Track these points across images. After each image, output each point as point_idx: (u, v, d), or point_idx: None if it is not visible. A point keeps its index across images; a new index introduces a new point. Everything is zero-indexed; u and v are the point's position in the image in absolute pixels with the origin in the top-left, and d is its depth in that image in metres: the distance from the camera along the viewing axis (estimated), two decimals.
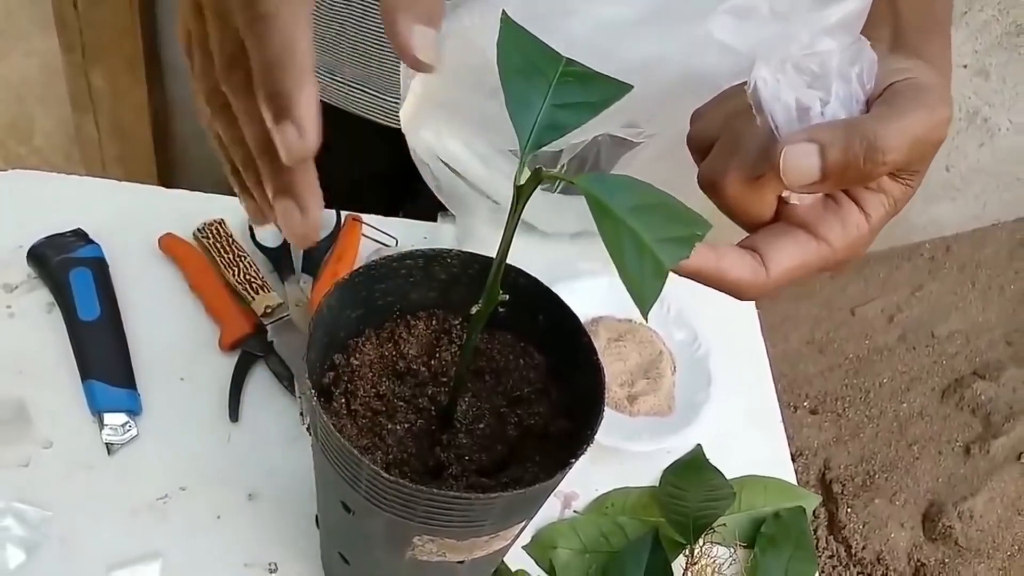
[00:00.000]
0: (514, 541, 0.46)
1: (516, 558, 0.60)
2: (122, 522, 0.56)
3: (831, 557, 1.63)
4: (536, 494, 0.40)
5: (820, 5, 0.39)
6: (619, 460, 0.65)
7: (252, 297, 0.67)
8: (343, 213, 0.74)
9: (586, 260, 0.71)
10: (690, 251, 0.31)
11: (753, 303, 0.78)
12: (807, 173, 0.36)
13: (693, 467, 0.65)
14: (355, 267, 0.70)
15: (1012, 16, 1.79)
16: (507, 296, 0.37)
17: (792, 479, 0.68)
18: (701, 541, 0.61)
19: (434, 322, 0.46)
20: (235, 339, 0.65)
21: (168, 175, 1.50)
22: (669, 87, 0.42)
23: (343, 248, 0.71)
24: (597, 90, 0.35)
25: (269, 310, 0.66)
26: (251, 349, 0.65)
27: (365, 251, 0.73)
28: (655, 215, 0.30)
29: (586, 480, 0.64)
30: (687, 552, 0.61)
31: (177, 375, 0.64)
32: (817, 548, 1.63)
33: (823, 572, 1.60)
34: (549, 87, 0.34)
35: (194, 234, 0.69)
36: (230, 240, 0.69)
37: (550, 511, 0.63)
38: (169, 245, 0.69)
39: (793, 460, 0.64)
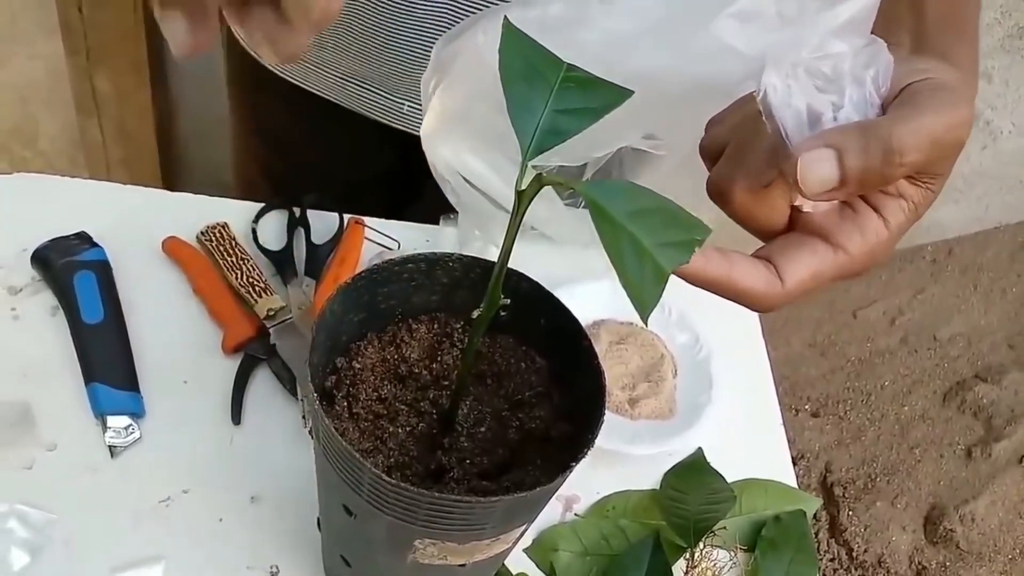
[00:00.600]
0: (515, 544, 0.47)
1: (517, 561, 0.60)
2: (125, 524, 0.57)
3: (832, 560, 1.63)
4: (537, 498, 0.40)
5: (828, 5, 0.39)
6: (620, 463, 0.65)
7: (255, 300, 0.67)
8: (346, 216, 0.74)
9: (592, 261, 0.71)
10: (690, 256, 0.31)
11: None
12: (825, 180, 0.35)
13: (694, 470, 0.65)
14: (357, 270, 0.71)
15: (1014, 19, 1.79)
16: (508, 301, 0.37)
17: (793, 482, 0.68)
18: (702, 544, 0.61)
19: (436, 326, 0.46)
20: (238, 342, 0.65)
21: (172, 178, 1.50)
22: (683, 96, 0.42)
23: (346, 251, 0.72)
24: (598, 96, 0.35)
25: (272, 313, 0.67)
26: (254, 352, 0.65)
27: (367, 254, 0.73)
28: (655, 220, 0.30)
29: (587, 483, 0.65)
30: (688, 555, 0.61)
31: (180, 378, 0.64)
32: (818, 551, 1.63)
33: (824, 575, 1.60)
34: (551, 92, 0.35)
35: (197, 237, 0.70)
36: (233, 243, 0.69)
37: (551, 514, 0.63)
38: (172, 248, 0.69)
39: (794, 463, 0.65)
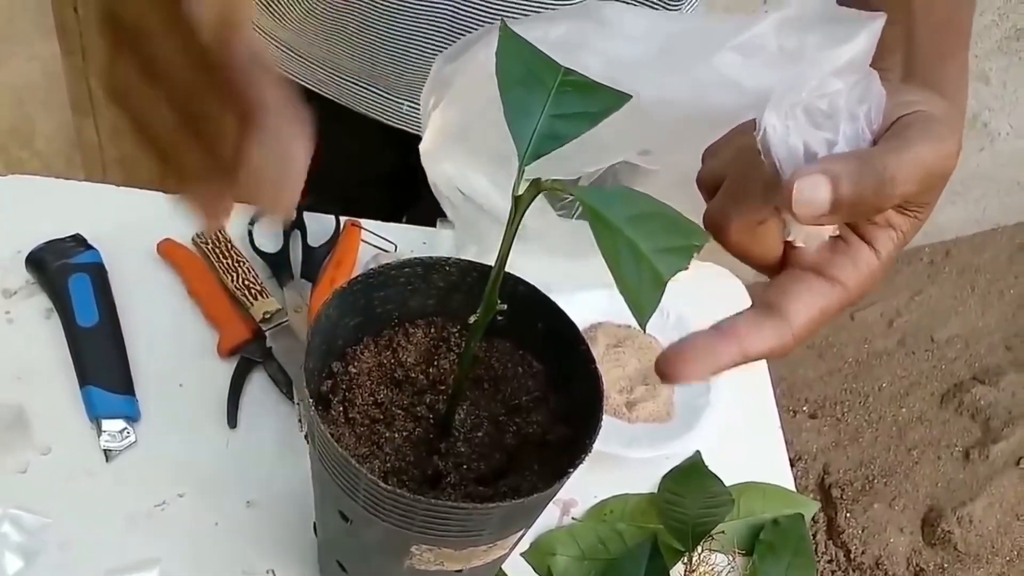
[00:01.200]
0: (513, 549, 0.46)
1: (515, 565, 0.60)
2: (120, 528, 0.56)
3: (830, 562, 1.63)
4: (534, 504, 0.40)
5: (829, 43, 0.39)
6: (618, 467, 0.65)
7: (251, 303, 0.67)
8: (342, 219, 0.74)
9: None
10: (689, 261, 0.31)
11: (749, 303, 0.78)
12: (818, 205, 0.35)
13: (692, 474, 0.65)
14: (354, 273, 0.70)
15: (1012, 20, 1.79)
16: (505, 306, 0.37)
17: (791, 485, 0.68)
18: (700, 548, 0.61)
19: (432, 330, 0.46)
20: (234, 345, 0.65)
21: None
22: (681, 121, 0.42)
23: (342, 253, 0.71)
24: (596, 100, 0.35)
25: (268, 316, 0.66)
26: (250, 355, 0.65)
27: (364, 256, 0.73)
28: (653, 225, 0.30)
29: (585, 487, 0.64)
30: (686, 559, 0.61)
31: (175, 381, 0.63)
32: (816, 553, 1.63)
33: None
34: (548, 97, 0.34)
35: (193, 239, 0.69)
36: (229, 245, 0.69)
37: (549, 518, 0.63)
38: (168, 250, 0.68)
39: (792, 465, 0.65)
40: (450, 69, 0.48)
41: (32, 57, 1.31)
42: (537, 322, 0.45)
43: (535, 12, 0.66)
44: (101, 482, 0.58)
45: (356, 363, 0.44)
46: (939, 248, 2.15)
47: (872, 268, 0.39)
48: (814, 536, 1.65)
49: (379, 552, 0.43)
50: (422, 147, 0.51)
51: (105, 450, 0.59)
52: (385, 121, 0.76)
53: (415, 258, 0.44)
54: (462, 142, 0.47)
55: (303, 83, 0.77)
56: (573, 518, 0.64)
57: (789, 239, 0.39)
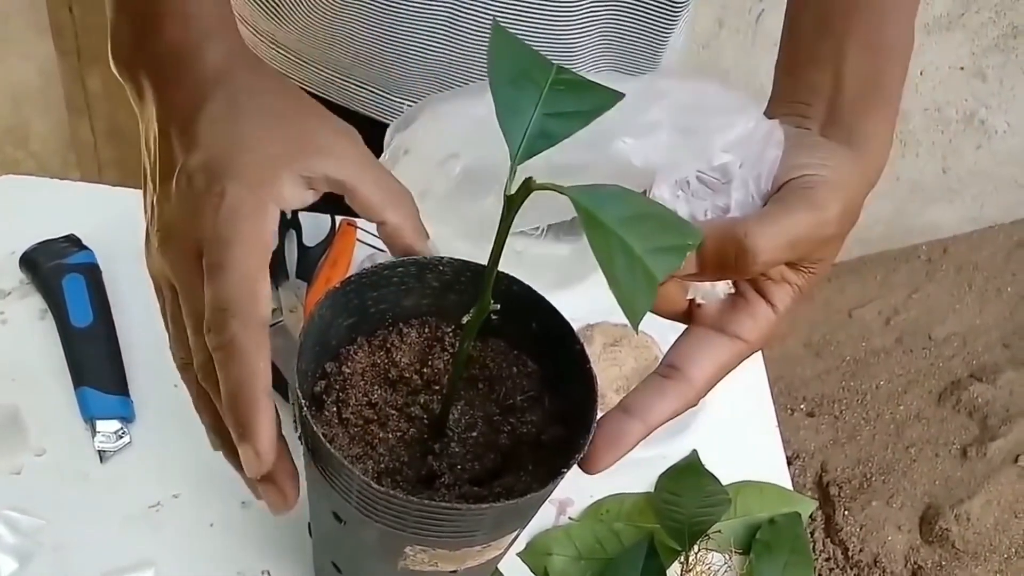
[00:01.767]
0: (508, 549, 0.46)
1: (511, 565, 0.60)
2: (115, 530, 0.56)
3: (828, 560, 1.63)
4: (528, 504, 0.40)
5: (722, 124, 0.42)
6: (614, 466, 0.64)
7: None
8: (338, 218, 0.74)
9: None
10: (682, 261, 0.31)
11: None
12: (685, 265, 0.39)
13: (689, 473, 0.65)
14: (349, 272, 0.70)
15: (1008, 18, 1.79)
16: (499, 306, 0.37)
17: (788, 484, 0.68)
18: (696, 547, 0.61)
19: (427, 330, 0.46)
20: None
21: None
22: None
23: (337, 253, 0.71)
24: (589, 99, 0.35)
25: None
26: None
27: (359, 256, 0.72)
28: (646, 225, 0.30)
29: (581, 486, 0.64)
30: (682, 559, 0.61)
31: (170, 382, 0.63)
32: (814, 551, 1.63)
33: (820, 575, 1.60)
34: (540, 95, 0.34)
35: None
36: None
37: (545, 518, 0.63)
38: None
39: (790, 463, 0.64)
40: (398, 140, 0.51)
41: (27, 57, 1.30)
42: (532, 321, 0.44)
43: (532, 12, 0.67)
44: (96, 483, 0.58)
45: (350, 363, 0.44)
46: (936, 246, 2.15)
47: (770, 321, 0.43)
48: (812, 534, 1.65)
49: (373, 553, 0.43)
50: None
51: (100, 451, 0.59)
52: (385, 121, 0.76)
53: (409, 258, 0.44)
54: (425, 201, 0.49)
55: (303, 85, 0.77)
56: (570, 518, 0.63)
57: (689, 297, 0.43)
